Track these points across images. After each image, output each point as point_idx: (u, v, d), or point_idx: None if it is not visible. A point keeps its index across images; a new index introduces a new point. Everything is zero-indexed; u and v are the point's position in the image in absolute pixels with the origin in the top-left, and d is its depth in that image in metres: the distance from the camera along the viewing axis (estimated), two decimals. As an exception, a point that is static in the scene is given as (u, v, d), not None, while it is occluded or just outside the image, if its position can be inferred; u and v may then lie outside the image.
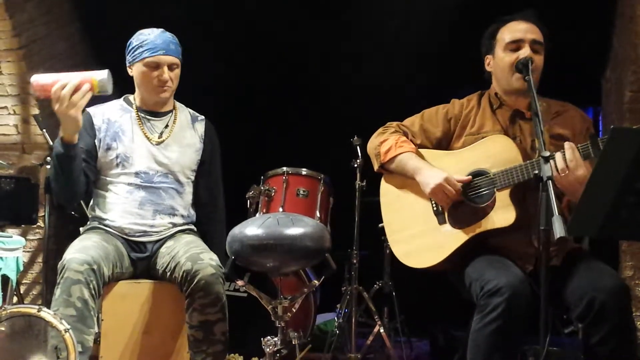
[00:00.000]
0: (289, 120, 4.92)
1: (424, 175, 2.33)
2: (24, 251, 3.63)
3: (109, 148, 2.60)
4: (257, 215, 3.26)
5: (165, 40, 2.57)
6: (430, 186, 2.28)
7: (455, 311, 2.72)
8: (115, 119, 2.64)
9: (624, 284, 2.07)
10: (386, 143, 2.46)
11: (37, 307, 2.15)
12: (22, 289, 4.43)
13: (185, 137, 2.72)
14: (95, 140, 2.60)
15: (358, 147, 3.49)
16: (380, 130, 2.55)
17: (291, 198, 3.31)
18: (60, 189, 2.48)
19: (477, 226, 2.24)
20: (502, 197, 2.21)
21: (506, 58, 2.32)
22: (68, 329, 2.12)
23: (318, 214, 3.28)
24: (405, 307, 3.86)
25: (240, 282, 2.32)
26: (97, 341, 2.44)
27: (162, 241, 2.60)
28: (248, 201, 3.34)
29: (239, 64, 4.77)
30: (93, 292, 2.30)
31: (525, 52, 2.27)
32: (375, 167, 2.53)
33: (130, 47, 2.61)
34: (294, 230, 2.18)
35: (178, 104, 2.78)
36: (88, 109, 2.58)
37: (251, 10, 4.54)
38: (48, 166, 3.75)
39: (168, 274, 2.49)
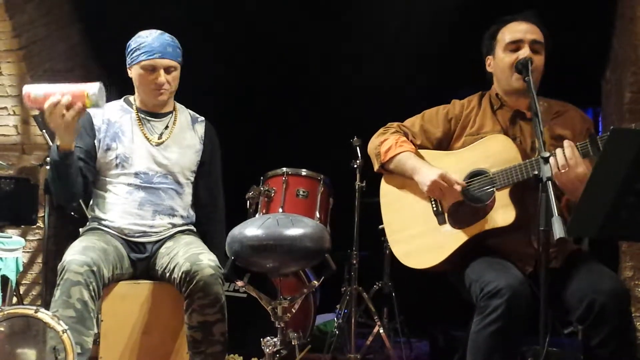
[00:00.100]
0: (289, 121, 4.92)
1: (421, 174, 2.33)
2: (23, 252, 3.63)
3: (108, 148, 2.60)
4: (257, 215, 3.26)
5: (163, 43, 2.56)
6: (426, 183, 2.29)
7: (455, 312, 2.72)
8: (115, 119, 2.64)
9: (624, 286, 2.07)
10: (386, 143, 2.46)
11: (34, 307, 2.15)
12: (22, 289, 4.43)
13: (185, 138, 2.72)
14: (95, 141, 2.60)
15: (358, 148, 3.50)
16: (380, 130, 2.55)
17: (291, 199, 3.31)
18: (58, 191, 2.50)
19: (477, 226, 2.24)
20: (502, 197, 2.21)
21: (506, 58, 2.32)
22: (66, 330, 2.11)
23: (318, 215, 3.29)
24: (405, 308, 3.86)
25: (239, 283, 2.32)
26: (96, 342, 2.44)
27: (161, 242, 2.60)
28: (248, 202, 3.34)
29: (239, 65, 4.77)
30: (93, 293, 2.30)
31: (524, 52, 2.27)
32: (376, 167, 2.53)
33: (128, 49, 2.61)
34: (294, 231, 2.18)
35: (178, 105, 2.78)
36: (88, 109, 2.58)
37: (251, 11, 4.55)
38: (47, 167, 3.75)
39: (167, 274, 2.49)
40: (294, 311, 2.38)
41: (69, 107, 2.23)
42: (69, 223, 4.22)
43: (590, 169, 1.84)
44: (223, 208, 2.86)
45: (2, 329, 2.12)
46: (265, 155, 4.21)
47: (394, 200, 2.49)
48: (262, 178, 3.46)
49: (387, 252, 3.84)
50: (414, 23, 4.37)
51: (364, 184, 3.47)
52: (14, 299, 3.55)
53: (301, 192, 3.33)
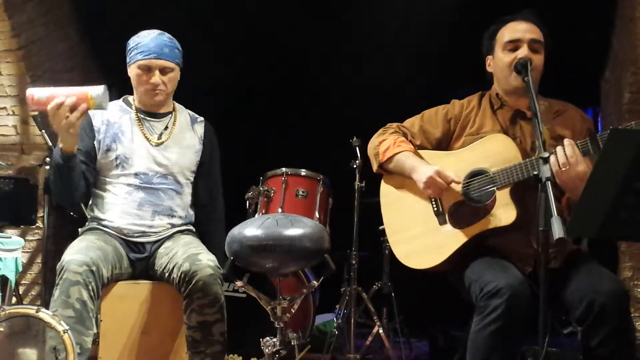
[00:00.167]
0: (289, 121, 4.92)
1: (419, 172, 2.34)
2: (22, 252, 3.63)
3: (108, 149, 2.60)
4: (256, 216, 3.26)
5: (159, 44, 2.56)
6: (423, 180, 2.29)
7: (455, 312, 2.72)
8: (115, 120, 2.64)
9: (624, 286, 2.08)
10: (384, 143, 2.46)
11: (35, 307, 2.15)
12: (21, 289, 4.43)
13: (185, 138, 2.72)
14: (95, 142, 2.60)
15: (357, 148, 3.49)
16: (380, 131, 2.56)
17: (290, 199, 3.31)
18: (60, 194, 2.50)
19: (478, 225, 2.24)
20: (503, 196, 2.21)
21: (505, 58, 2.32)
22: (67, 330, 2.11)
23: (317, 215, 3.29)
24: (405, 308, 3.86)
25: (239, 283, 2.32)
26: (95, 341, 2.44)
27: (160, 242, 2.60)
28: (247, 202, 3.34)
29: (239, 65, 4.77)
30: (92, 293, 2.30)
31: (522, 52, 2.27)
32: (374, 167, 2.53)
33: (128, 48, 2.61)
34: (293, 231, 2.18)
35: (178, 105, 2.78)
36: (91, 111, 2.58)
37: (251, 12, 4.55)
38: (47, 167, 3.75)
39: (166, 274, 2.49)
40: (293, 311, 2.38)
41: (72, 108, 2.24)
42: (68, 223, 4.21)
43: (590, 167, 1.84)
44: (222, 208, 2.86)
45: (2, 329, 2.12)
46: (265, 155, 4.21)
47: (394, 201, 2.49)
48: (261, 178, 3.46)
49: (387, 252, 3.84)
50: (414, 23, 4.37)
51: (363, 184, 3.47)
52: (14, 299, 3.55)
53: (300, 192, 3.33)
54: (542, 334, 1.83)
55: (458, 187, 2.30)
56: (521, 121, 2.36)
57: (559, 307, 2.13)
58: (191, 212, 2.74)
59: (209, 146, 2.78)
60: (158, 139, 2.66)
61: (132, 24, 2.75)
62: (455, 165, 2.34)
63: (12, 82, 4.52)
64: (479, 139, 2.35)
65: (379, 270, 3.88)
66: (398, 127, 2.53)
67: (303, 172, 3.39)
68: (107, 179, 2.61)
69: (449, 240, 2.29)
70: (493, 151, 2.27)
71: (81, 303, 2.26)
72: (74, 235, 2.59)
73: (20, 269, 3.30)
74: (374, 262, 3.90)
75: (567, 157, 2.01)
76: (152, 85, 2.57)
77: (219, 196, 2.84)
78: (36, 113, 4.29)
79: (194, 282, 2.36)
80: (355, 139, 3.52)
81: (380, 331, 3.47)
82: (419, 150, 2.46)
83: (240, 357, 3.07)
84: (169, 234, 2.63)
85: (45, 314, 2.13)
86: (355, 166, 3.47)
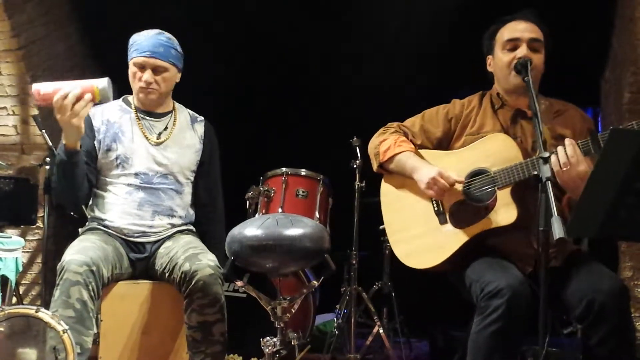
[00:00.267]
0: (289, 121, 4.92)
1: (420, 172, 2.33)
2: (23, 252, 3.62)
3: (109, 149, 2.60)
4: (257, 215, 3.26)
5: (154, 43, 2.56)
6: (425, 181, 2.29)
7: (455, 312, 2.72)
8: (115, 119, 2.64)
9: (624, 285, 2.07)
10: (385, 143, 2.46)
11: (35, 307, 2.15)
12: (21, 289, 4.43)
13: (185, 138, 2.72)
14: (95, 142, 2.60)
15: (357, 148, 3.49)
16: (380, 130, 2.55)
17: (290, 199, 3.31)
18: (63, 193, 2.50)
19: (479, 225, 2.24)
20: (504, 196, 2.21)
21: (504, 57, 2.32)
22: (66, 330, 2.11)
23: (317, 215, 3.29)
24: (405, 308, 3.86)
25: (239, 283, 2.31)
26: (96, 341, 2.44)
27: (160, 242, 2.60)
28: (247, 202, 3.34)
29: (239, 65, 4.77)
30: (92, 293, 2.30)
31: (522, 51, 2.27)
32: (375, 166, 2.53)
33: (128, 47, 2.62)
34: (293, 231, 2.17)
35: (177, 105, 2.78)
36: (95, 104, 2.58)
37: (251, 12, 4.55)
38: (47, 167, 3.75)
39: (167, 274, 2.49)
40: (293, 311, 2.37)
41: (78, 99, 2.24)
42: (69, 223, 4.21)
43: (591, 167, 1.84)
44: (222, 208, 2.86)
45: (2, 329, 2.12)
46: (265, 155, 4.21)
47: (394, 200, 2.49)
48: (261, 178, 3.46)
49: (387, 252, 3.84)
50: (414, 23, 4.36)
51: (363, 184, 3.46)
52: (14, 299, 3.55)
53: (301, 192, 3.33)
54: (542, 334, 1.83)
55: (459, 187, 2.30)
56: (522, 121, 2.36)
57: (559, 307, 2.12)
58: (191, 212, 2.74)
59: (209, 146, 2.78)
60: (157, 139, 2.66)
61: (132, 24, 2.75)
62: (456, 164, 2.34)
63: (12, 82, 4.51)
64: (479, 138, 2.35)
65: (379, 270, 3.88)
66: (399, 127, 2.52)
67: (303, 172, 3.39)
68: (107, 179, 2.61)
69: (449, 240, 2.29)
70: (494, 151, 2.27)
71: (81, 303, 2.26)
72: (74, 235, 2.59)
73: (21, 269, 3.30)
74: (374, 262, 3.90)
75: (568, 157, 2.01)
76: (144, 83, 2.58)
77: (219, 196, 2.84)
78: (37, 113, 4.30)
79: (194, 282, 2.36)
80: (355, 139, 3.52)
81: (381, 331, 3.47)
82: (419, 150, 2.46)
83: (241, 357, 3.07)
84: (169, 234, 2.62)
85: (45, 314, 2.13)
86: (355, 166, 3.47)
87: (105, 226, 2.57)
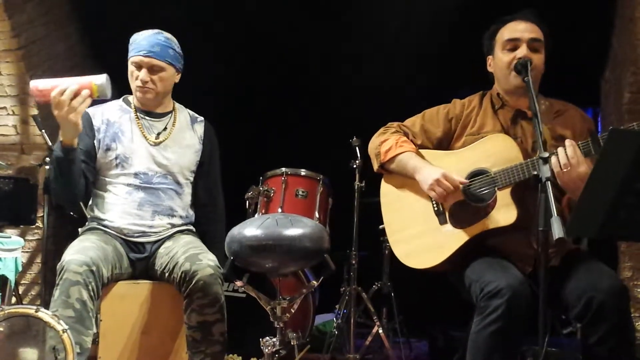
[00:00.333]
0: (289, 121, 4.92)
1: (423, 173, 2.33)
2: (22, 252, 3.63)
3: (108, 149, 2.60)
4: (256, 215, 3.26)
5: (152, 42, 2.56)
6: (428, 182, 2.29)
7: (454, 312, 2.72)
8: (115, 119, 2.64)
9: (623, 284, 2.07)
10: (386, 143, 2.46)
11: (35, 307, 2.15)
12: (21, 289, 4.43)
13: (184, 138, 2.72)
14: (95, 141, 2.60)
15: (357, 148, 3.49)
16: (381, 130, 2.55)
17: (290, 199, 3.31)
18: (60, 191, 2.50)
19: (478, 225, 2.24)
20: (504, 196, 2.21)
21: (504, 58, 2.32)
22: (66, 329, 2.11)
23: (317, 215, 3.29)
24: (404, 308, 3.86)
25: (239, 283, 2.31)
26: (95, 341, 2.44)
27: (160, 242, 2.60)
28: (247, 202, 3.34)
29: (239, 65, 4.77)
30: (92, 293, 2.30)
31: (521, 52, 2.27)
32: (375, 167, 2.53)
33: (128, 46, 2.63)
34: (293, 231, 2.17)
35: (178, 105, 2.78)
36: (87, 110, 2.57)
37: (251, 12, 4.55)
38: (47, 167, 3.75)
39: (167, 274, 2.49)
40: (293, 311, 2.37)
41: (76, 95, 2.24)
42: (68, 223, 4.21)
43: (592, 168, 1.84)
44: (222, 208, 2.86)
45: (1, 329, 2.12)
46: (265, 155, 4.21)
47: (394, 200, 2.49)
48: (261, 178, 3.46)
49: (386, 252, 3.84)
50: (414, 23, 4.36)
51: (363, 184, 3.46)
52: (13, 299, 3.55)
53: (300, 192, 3.33)
54: (542, 334, 1.82)
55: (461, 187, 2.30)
56: (522, 121, 2.35)
57: (559, 306, 2.12)
58: (191, 212, 2.74)
59: (209, 146, 2.78)
60: (156, 139, 2.66)
61: (132, 24, 2.75)
62: (456, 164, 2.34)
63: (11, 82, 4.52)
64: (480, 138, 2.35)
65: (378, 270, 3.88)
66: (399, 127, 2.52)
67: (303, 172, 3.40)
68: (106, 179, 2.61)
69: (449, 240, 2.29)
70: (494, 151, 2.27)
71: (81, 303, 2.26)
72: (74, 235, 2.59)
73: (20, 268, 3.30)
74: (373, 262, 3.90)
75: (569, 158, 2.01)
76: (140, 82, 2.58)
77: (218, 196, 2.84)
78: (36, 113, 4.30)
79: (194, 282, 2.36)
80: (355, 139, 3.52)
81: (380, 331, 3.47)
82: (420, 150, 2.45)
83: (240, 357, 3.07)
84: (169, 234, 2.62)
85: (44, 314, 2.13)
86: (355, 166, 3.47)
87: (105, 226, 2.57)
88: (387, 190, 2.53)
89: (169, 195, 2.64)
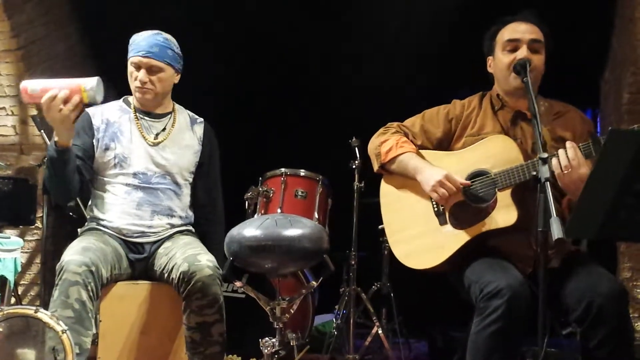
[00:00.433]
0: (289, 121, 4.92)
1: (425, 174, 2.33)
2: (21, 252, 3.63)
3: (107, 148, 2.60)
4: (256, 216, 3.25)
5: (150, 43, 2.56)
6: (431, 183, 2.28)
7: (454, 312, 2.72)
8: (114, 119, 2.64)
9: (622, 287, 2.07)
10: (387, 143, 2.46)
11: (34, 308, 2.15)
12: (20, 289, 4.42)
13: (184, 138, 2.72)
14: (94, 140, 2.60)
15: (357, 149, 3.48)
16: (381, 130, 2.55)
17: (289, 199, 3.31)
18: (53, 188, 2.51)
19: (479, 226, 2.23)
20: (504, 197, 2.21)
21: (504, 59, 2.32)
22: (65, 330, 2.11)
23: (316, 215, 3.28)
24: (404, 308, 3.86)
25: (238, 283, 2.31)
26: (95, 342, 2.44)
27: (160, 242, 2.60)
28: (246, 202, 3.34)
29: (239, 65, 4.76)
30: (91, 294, 2.30)
31: (522, 53, 2.27)
32: (375, 167, 2.53)
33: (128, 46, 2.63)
34: (292, 232, 2.17)
35: (177, 106, 2.78)
36: (87, 109, 2.58)
37: (251, 12, 4.54)
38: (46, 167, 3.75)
39: (166, 275, 2.48)
40: (292, 312, 2.37)
41: (66, 101, 2.23)
42: (67, 223, 4.21)
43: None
44: (222, 209, 2.85)
45: (1, 329, 2.12)
46: (265, 155, 4.21)
47: (394, 201, 2.49)
48: (260, 178, 3.46)
49: (386, 252, 3.83)
50: (414, 23, 4.36)
51: (362, 185, 3.46)
52: (12, 300, 3.55)
53: (300, 193, 3.33)
54: (542, 335, 1.82)
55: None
56: (522, 122, 2.35)
57: (558, 308, 2.12)
58: (190, 213, 2.74)
59: (208, 147, 2.78)
60: (154, 139, 2.65)
61: (132, 24, 2.75)
62: (456, 165, 2.34)
63: (11, 82, 4.52)
64: (479, 139, 2.35)
65: (378, 271, 3.87)
66: (399, 127, 2.52)
67: (302, 172, 3.39)
68: (105, 179, 2.61)
69: (449, 240, 2.29)
70: (494, 152, 2.27)
71: (80, 303, 2.26)
72: (73, 236, 2.59)
73: (19, 269, 3.30)
74: (373, 263, 3.90)
75: (569, 160, 2.00)
76: (138, 82, 2.58)
77: (218, 197, 2.83)
78: (35, 113, 4.30)
79: (193, 282, 2.36)
80: (354, 139, 3.51)
81: (380, 332, 3.47)
82: (420, 150, 2.45)
83: (240, 358, 3.07)
84: (169, 234, 2.62)
85: (44, 314, 2.12)
86: (354, 166, 3.47)
87: (104, 226, 2.57)
88: (387, 191, 2.53)
89: (167, 195, 2.64)
